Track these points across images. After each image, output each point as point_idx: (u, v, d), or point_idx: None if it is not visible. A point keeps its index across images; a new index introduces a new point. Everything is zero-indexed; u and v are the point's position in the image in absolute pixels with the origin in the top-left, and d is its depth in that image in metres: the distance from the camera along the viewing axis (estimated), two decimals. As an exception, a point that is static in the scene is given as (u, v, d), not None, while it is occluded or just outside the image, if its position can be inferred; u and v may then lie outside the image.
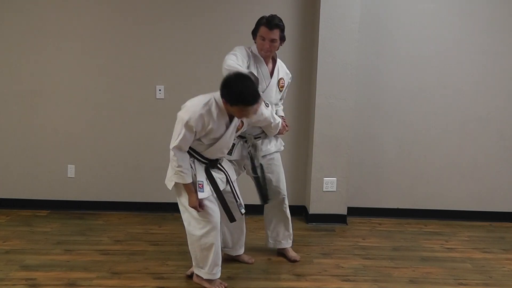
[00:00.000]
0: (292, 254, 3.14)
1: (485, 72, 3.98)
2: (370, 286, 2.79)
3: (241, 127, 2.64)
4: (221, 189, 2.64)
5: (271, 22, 2.63)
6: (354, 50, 3.71)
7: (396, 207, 4.14)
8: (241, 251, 3.03)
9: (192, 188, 2.51)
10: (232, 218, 2.68)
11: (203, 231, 2.56)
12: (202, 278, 2.68)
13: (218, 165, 2.67)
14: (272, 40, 2.66)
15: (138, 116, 4.01)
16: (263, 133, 2.91)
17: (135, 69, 3.96)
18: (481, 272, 3.04)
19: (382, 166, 4.09)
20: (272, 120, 2.76)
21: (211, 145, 2.53)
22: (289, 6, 3.89)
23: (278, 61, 2.90)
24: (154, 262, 3.05)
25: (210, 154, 2.58)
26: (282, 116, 3.02)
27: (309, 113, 3.93)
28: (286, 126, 2.99)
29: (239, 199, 2.72)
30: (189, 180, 2.50)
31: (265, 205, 3.08)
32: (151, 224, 3.80)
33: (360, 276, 2.93)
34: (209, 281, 2.66)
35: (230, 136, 2.56)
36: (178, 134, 2.45)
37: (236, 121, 2.55)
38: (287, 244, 3.15)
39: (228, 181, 2.70)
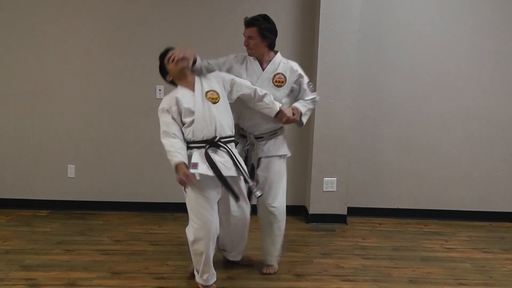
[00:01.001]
0: (268, 268, 2.92)
1: (485, 72, 3.98)
2: (370, 286, 2.79)
3: (217, 98, 2.54)
4: (226, 174, 2.46)
5: (247, 20, 2.73)
6: (354, 50, 3.71)
7: (396, 207, 4.14)
8: (239, 257, 2.96)
9: (182, 167, 2.39)
10: (236, 198, 2.55)
11: (194, 237, 2.51)
12: None
13: (222, 149, 2.50)
14: (249, 37, 2.71)
15: (138, 116, 4.01)
16: (268, 133, 2.80)
17: (135, 69, 3.96)
18: (481, 272, 3.04)
19: (382, 166, 4.09)
20: (255, 87, 2.67)
21: (193, 121, 2.47)
22: (289, 6, 3.89)
23: (280, 58, 2.81)
24: (154, 262, 3.05)
25: (199, 130, 2.47)
26: (297, 108, 2.76)
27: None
28: (293, 114, 2.71)
29: (251, 181, 2.57)
30: (177, 160, 2.38)
31: (258, 211, 2.88)
32: (151, 224, 3.80)
33: (360, 276, 2.93)
34: (202, 285, 2.65)
35: (203, 103, 2.49)
36: (161, 125, 2.52)
37: (199, 86, 2.54)
38: (270, 261, 2.92)
39: (236, 165, 2.52)
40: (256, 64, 2.80)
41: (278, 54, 2.82)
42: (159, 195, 4.08)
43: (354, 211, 4.04)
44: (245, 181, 2.57)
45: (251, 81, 2.74)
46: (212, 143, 2.48)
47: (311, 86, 2.84)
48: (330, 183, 3.86)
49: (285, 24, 3.89)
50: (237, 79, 2.67)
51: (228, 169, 2.48)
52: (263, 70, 2.77)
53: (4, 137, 4.05)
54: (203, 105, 2.49)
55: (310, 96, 2.83)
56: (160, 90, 3.96)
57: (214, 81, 2.61)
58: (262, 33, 2.70)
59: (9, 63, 3.96)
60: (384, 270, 3.03)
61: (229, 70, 2.79)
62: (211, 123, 2.48)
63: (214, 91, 2.56)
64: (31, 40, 3.93)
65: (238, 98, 2.68)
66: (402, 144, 4.06)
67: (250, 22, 2.71)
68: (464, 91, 4.00)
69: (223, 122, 2.53)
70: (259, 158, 2.79)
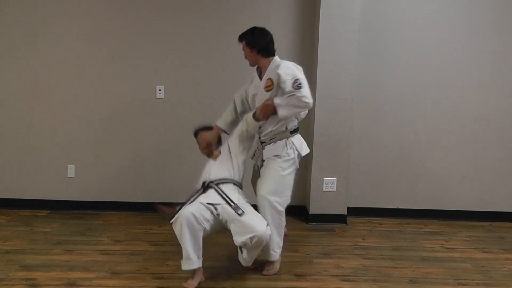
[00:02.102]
0: (267, 268, 2.93)
1: (485, 72, 3.98)
2: (370, 286, 2.79)
3: (217, 156, 3.05)
4: (203, 201, 2.74)
5: (238, 36, 2.97)
6: (354, 50, 3.71)
7: (396, 207, 4.14)
8: (245, 263, 2.88)
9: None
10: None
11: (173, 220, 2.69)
12: None
13: (212, 188, 2.84)
14: (243, 50, 2.97)
15: (138, 116, 4.01)
16: (269, 138, 2.94)
17: (135, 69, 3.96)
18: (481, 272, 3.03)
19: (382, 166, 4.09)
20: (240, 129, 3.06)
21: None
22: (289, 6, 3.89)
23: (275, 63, 2.90)
24: (154, 262, 3.05)
25: (201, 180, 2.94)
26: (271, 98, 2.84)
27: (309, 113, 3.93)
28: (263, 107, 2.83)
29: (233, 203, 2.73)
30: None
31: None
32: (151, 224, 3.80)
33: (360, 276, 2.93)
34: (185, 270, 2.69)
35: (208, 162, 3.05)
36: None
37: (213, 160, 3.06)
38: (268, 256, 2.91)
39: (219, 196, 2.80)
40: (256, 77, 3.01)
41: (274, 59, 2.92)
42: (159, 195, 4.07)
43: (354, 211, 4.04)
44: (229, 204, 2.75)
45: (254, 93, 2.98)
46: (204, 187, 2.86)
47: (295, 84, 2.76)
48: (330, 183, 3.86)
49: (286, 25, 3.90)
50: (230, 138, 3.11)
51: (206, 198, 2.79)
52: (261, 79, 2.95)
53: (4, 137, 4.05)
54: (208, 164, 3.04)
55: (292, 92, 2.77)
56: (160, 90, 3.97)
57: (224, 146, 3.12)
58: (249, 45, 2.92)
59: (9, 63, 3.96)
60: (384, 270, 3.03)
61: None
62: (207, 173, 2.95)
63: (219, 151, 3.09)
64: (31, 40, 3.93)
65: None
66: (402, 144, 4.06)
67: (239, 38, 2.97)
68: (464, 91, 4.00)
69: (217, 170, 2.95)
70: (262, 160, 2.99)
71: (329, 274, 2.94)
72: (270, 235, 2.74)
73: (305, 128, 3.96)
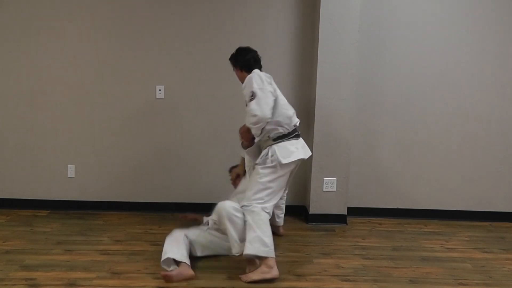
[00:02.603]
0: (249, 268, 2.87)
1: (485, 72, 3.98)
2: (370, 286, 2.79)
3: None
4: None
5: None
6: (354, 50, 3.71)
7: (396, 207, 4.14)
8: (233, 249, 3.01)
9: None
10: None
11: None
12: None
13: None
14: (233, 70, 3.16)
15: (138, 116, 4.01)
16: (263, 147, 3.05)
17: (135, 69, 3.96)
18: (481, 272, 3.03)
19: (382, 166, 4.09)
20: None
21: None
22: (289, 6, 3.89)
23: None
24: (154, 262, 3.04)
25: None
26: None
27: (309, 113, 3.93)
28: (242, 135, 3.10)
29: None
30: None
31: None
32: (151, 224, 3.80)
33: (360, 276, 2.93)
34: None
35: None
36: None
37: None
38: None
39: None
40: None
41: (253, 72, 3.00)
42: (159, 195, 4.08)
43: (354, 211, 4.04)
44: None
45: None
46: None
47: (249, 97, 2.87)
48: (330, 183, 3.86)
49: (285, 24, 3.90)
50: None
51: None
52: None
53: (4, 137, 4.05)
54: None
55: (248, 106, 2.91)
56: (160, 90, 3.97)
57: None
58: (234, 63, 3.12)
59: (9, 63, 3.96)
60: (384, 270, 3.03)
61: None
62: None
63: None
64: (31, 40, 3.93)
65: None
66: (402, 144, 4.06)
67: (229, 59, 3.14)
68: (464, 90, 4.01)
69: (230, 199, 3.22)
70: None
71: (329, 274, 2.94)
72: (232, 208, 2.86)
73: (305, 128, 3.97)
